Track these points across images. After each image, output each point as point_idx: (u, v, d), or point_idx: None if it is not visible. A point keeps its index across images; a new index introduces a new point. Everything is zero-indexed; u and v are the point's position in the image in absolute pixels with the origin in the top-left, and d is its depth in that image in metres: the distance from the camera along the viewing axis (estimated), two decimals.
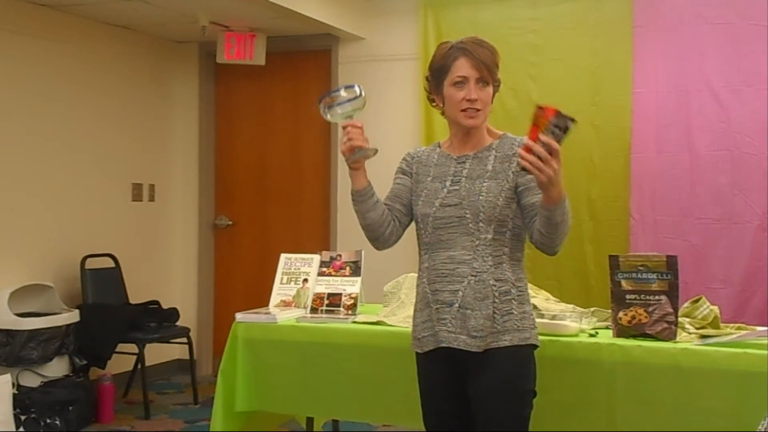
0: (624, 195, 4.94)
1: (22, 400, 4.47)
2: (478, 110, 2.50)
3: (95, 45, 5.52)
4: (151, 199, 6.05)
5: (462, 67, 2.48)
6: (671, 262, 2.72)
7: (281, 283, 3.45)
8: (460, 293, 2.44)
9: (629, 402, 2.65)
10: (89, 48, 5.48)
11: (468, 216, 2.45)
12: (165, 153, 6.19)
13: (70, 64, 5.34)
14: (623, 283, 2.78)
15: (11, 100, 4.96)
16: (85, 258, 5.29)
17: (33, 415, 4.49)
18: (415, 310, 2.60)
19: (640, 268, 2.76)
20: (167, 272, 6.19)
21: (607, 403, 2.68)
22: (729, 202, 4.74)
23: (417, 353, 2.57)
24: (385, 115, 5.61)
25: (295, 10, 5.02)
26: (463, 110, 2.50)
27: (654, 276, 2.73)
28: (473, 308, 2.42)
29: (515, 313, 2.45)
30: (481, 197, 2.43)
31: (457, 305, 2.44)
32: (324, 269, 3.37)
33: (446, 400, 2.52)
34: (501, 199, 2.44)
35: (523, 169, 2.16)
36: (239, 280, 6.22)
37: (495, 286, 2.43)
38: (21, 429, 4.43)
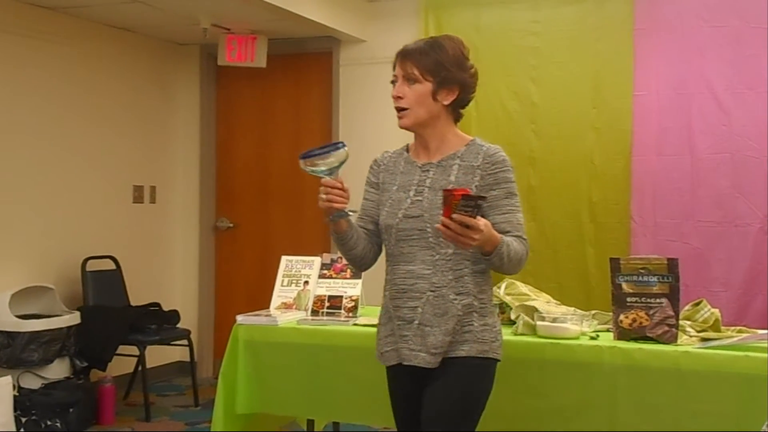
0: (625, 197, 4.93)
1: (22, 402, 4.48)
2: (404, 109, 2.42)
3: (97, 47, 5.53)
4: (152, 201, 6.05)
5: (396, 69, 2.45)
6: (672, 265, 2.73)
7: (282, 286, 3.46)
8: (420, 310, 2.38)
9: (630, 405, 2.65)
10: (91, 50, 5.48)
11: (429, 230, 2.36)
12: (166, 155, 6.19)
13: (71, 66, 5.34)
14: (624, 285, 2.78)
15: (12, 103, 4.96)
16: (86, 260, 5.29)
17: (34, 417, 4.49)
18: (379, 323, 2.54)
19: (641, 270, 2.76)
20: (168, 274, 6.19)
21: (608, 405, 2.68)
22: (730, 204, 4.73)
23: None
24: (384, 118, 5.56)
25: (296, 13, 5.02)
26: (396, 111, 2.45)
27: (655, 279, 2.73)
28: (432, 325, 2.36)
29: (476, 325, 2.37)
30: (441, 211, 2.23)
31: (416, 322, 2.38)
32: (325, 271, 3.37)
33: (412, 413, 2.47)
34: None
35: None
36: (240, 282, 6.22)
37: (456, 300, 2.36)
38: (22, 431, 4.43)
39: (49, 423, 4.53)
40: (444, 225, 2.14)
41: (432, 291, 2.37)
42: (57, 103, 5.25)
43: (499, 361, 2.44)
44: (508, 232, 2.34)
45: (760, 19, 4.66)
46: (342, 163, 2.36)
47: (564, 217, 5.07)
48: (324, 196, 2.34)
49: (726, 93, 4.75)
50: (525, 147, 5.14)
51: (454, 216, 2.12)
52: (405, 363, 2.40)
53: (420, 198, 2.41)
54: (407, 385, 2.47)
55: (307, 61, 6.06)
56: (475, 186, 2.37)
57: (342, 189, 2.35)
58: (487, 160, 2.40)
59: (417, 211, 2.40)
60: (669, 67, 4.88)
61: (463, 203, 2.12)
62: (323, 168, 2.34)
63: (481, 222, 2.16)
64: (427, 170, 2.45)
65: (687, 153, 4.83)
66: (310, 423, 3.48)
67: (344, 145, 2.35)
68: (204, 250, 6.27)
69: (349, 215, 2.42)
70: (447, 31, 5.30)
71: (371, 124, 5.64)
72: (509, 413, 2.80)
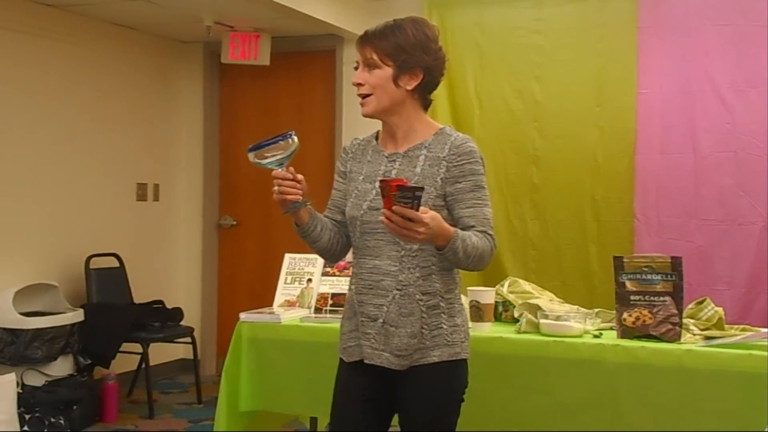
0: (628, 196, 4.93)
1: (26, 399, 4.49)
2: (365, 96, 2.33)
3: (100, 45, 5.53)
4: (156, 198, 6.06)
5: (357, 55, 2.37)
6: (676, 263, 2.72)
7: (285, 283, 3.46)
8: (385, 308, 2.28)
9: (633, 403, 2.64)
10: (94, 48, 5.49)
11: None
12: (169, 153, 6.19)
13: (74, 64, 5.35)
14: (627, 284, 2.78)
15: (15, 100, 4.97)
16: (89, 257, 5.30)
17: (37, 414, 4.50)
18: (343, 317, 2.45)
19: (645, 269, 2.76)
20: (171, 272, 6.20)
21: (611, 404, 2.68)
22: (733, 203, 4.73)
23: (341, 360, 2.45)
24: None
25: (299, 11, 5.03)
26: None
27: (658, 277, 2.73)
28: (397, 325, 2.26)
29: (445, 327, 2.29)
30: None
31: (381, 320, 2.28)
32: (328, 269, 3.36)
33: (362, 414, 2.38)
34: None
35: None
36: (243, 279, 6.23)
37: (422, 300, 2.27)
38: (25, 428, 4.44)
39: (52, 420, 4.54)
40: (386, 217, 2.04)
41: (399, 289, 2.27)
42: (60, 100, 5.25)
43: (467, 358, 2.36)
44: (472, 226, 2.24)
45: (764, 17, 4.65)
46: (292, 153, 2.27)
47: (567, 215, 5.07)
48: (276, 189, 2.27)
49: (730, 91, 4.75)
50: (528, 145, 5.15)
51: (395, 208, 2.01)
52: (367, 362, 2.32)
53: None
54: (363, 384, 2.38)
55: (311, 59, 6.07)
56: (441, 178, 2.27)
57: (294, 180, 2.27)
58: (453, 151, 2.28)
59: (382, 203, 2.29)
60: (672, 65, 4.88)
61: (400, 195, 2.01)
62: (273, 160, 2.26)
63: (428, 215, 2.04)
64: (394, 160, 2.35)
65: (690, 151, 4.82)
66: (313, 421, 3.48)
67: (293, 135, 2.27)
68: (207, 247, 6.28)
69: (306, 205, 2.33)
70: (450, 29, 5.33)
71: (374, 123, 5.63)
72: (512, 411, 2.80)
